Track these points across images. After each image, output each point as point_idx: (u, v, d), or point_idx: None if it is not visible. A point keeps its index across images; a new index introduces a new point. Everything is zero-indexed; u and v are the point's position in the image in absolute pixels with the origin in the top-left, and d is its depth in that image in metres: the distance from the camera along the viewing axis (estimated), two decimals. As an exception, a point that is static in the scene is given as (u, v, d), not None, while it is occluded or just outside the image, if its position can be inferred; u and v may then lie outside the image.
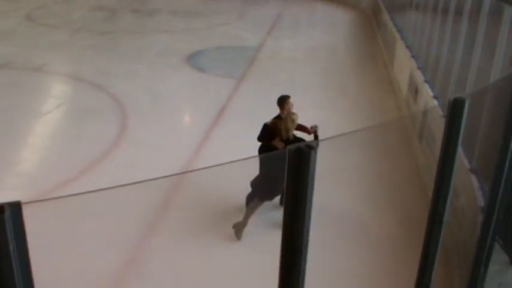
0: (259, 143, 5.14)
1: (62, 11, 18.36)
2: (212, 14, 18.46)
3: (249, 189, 5.16)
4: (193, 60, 11.83)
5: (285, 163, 1.54)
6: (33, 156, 7.27)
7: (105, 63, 11.48)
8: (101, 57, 11.95)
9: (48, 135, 8.09)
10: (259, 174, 5.09)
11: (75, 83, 10.29)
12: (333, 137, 2.33)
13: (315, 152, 1.57)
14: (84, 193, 1.73)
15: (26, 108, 8.73)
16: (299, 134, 5.30)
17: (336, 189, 6.09)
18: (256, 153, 5.28)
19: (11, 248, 1.20)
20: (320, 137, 5.34)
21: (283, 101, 5.42)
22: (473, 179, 4.43)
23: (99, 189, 1.58)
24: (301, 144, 1.56)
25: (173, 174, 6.36)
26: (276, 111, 5.57)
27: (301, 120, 5.37)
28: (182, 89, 10.08)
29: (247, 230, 5.06)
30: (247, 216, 5.05)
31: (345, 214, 5.71)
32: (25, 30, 14.80)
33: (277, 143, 5.06)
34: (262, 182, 5.07)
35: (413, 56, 9.22)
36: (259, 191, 5.10)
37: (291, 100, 5.43)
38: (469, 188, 4.37)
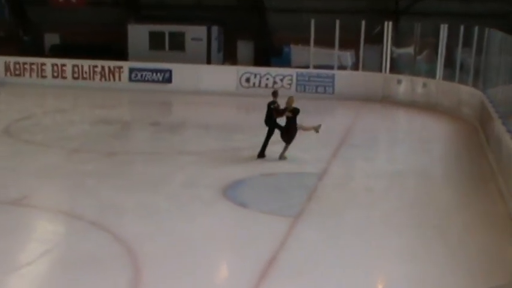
0: None
1: (54, 125, 19.37)
2: (258, 129, 19.05)
3: None
4: (232, 191, 12.00)
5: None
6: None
7: (112, 195, 11.73)
8: (107, 186, 12.26)
9: (27, 295, 8.04)
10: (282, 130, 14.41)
11: (69, 221, 10.45)
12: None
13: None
14: None
15: (-2, 257, 8.77)
16: None
17: None
18: None
19: None
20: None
21: (276, 94, 14.67)
22: None
23: None
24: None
25: None
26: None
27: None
28: (217, 231, 10.08)
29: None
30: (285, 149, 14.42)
31: None
32: (1, 149, 15.55)
33: (288, 113, 14.19)
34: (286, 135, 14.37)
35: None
36: (287, 140, 14.39)
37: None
38: None
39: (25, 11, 32.28)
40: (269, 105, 14.49)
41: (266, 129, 14.65)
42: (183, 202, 11.41)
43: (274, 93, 14.78)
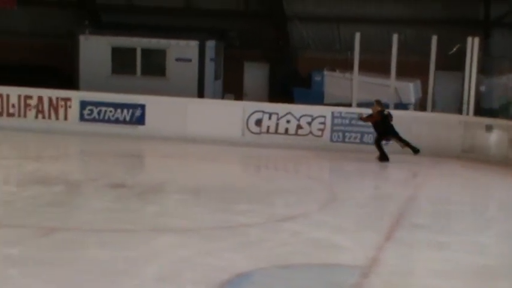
0: None
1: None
2: (274, 195, 19.27)
3: None
4: (234, 292, 12.05)
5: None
6: None
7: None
8: (40, 280, 12.13)
9: None
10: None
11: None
12: None
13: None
14: None
15: None
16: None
17: None
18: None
19: None
20: None
21: (380, 103, 24.42)
22: None
23: None
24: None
25: None
26: None
27: None
28: None
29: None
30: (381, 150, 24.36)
31: None
32: None
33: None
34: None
35: None
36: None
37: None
38: None
39: None
40: (381, 113, 23.89)
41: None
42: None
43: (379, 102, 23.97)
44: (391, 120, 23.84)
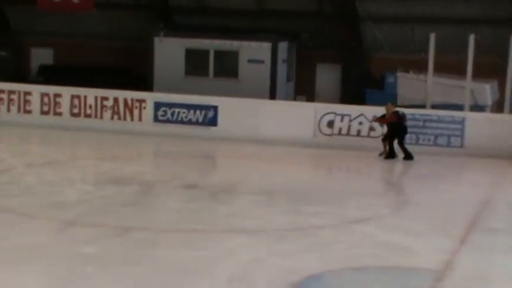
0: None
1: (41, 184, 19.75)
2: (347, 197, 19.14)
3: None
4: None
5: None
6: None
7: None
8: (116, 278, 12.27)
9: None
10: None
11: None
12: None
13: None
14: None
15: None
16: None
17: None
18: None
19: None
20: None
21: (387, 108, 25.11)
22: None
23: None
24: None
25: None
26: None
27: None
28: None
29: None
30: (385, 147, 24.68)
31: None
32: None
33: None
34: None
35: None
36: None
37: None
38: None
39: (2, 14, 33.00)
40: (397, 113, 24.15)
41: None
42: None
43: (393, 103, 24.96)
44: (406, 121, 24.12)
